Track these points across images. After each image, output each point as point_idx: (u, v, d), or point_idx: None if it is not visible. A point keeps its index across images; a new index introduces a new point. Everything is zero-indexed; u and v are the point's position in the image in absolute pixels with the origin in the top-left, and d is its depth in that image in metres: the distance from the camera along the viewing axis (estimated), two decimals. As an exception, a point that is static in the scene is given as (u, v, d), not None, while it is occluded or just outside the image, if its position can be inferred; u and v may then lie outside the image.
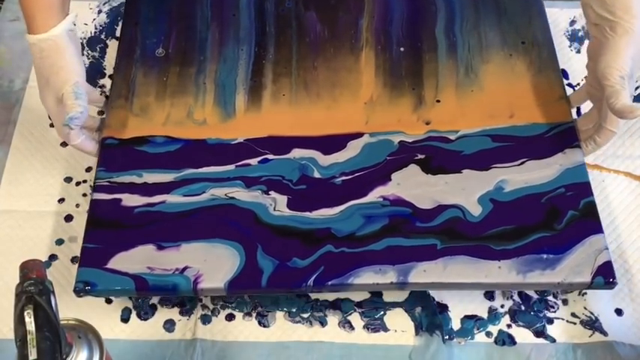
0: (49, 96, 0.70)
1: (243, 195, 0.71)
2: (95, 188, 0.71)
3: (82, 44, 0.91)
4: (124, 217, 0.70)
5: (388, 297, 0.73)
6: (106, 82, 0.89)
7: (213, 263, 0.67)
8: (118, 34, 0.92)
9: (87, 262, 0.67)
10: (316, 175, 0.72)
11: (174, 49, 0.82)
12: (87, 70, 0.87)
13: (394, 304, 0.72)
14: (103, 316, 0.72)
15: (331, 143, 0.74)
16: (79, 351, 0.55)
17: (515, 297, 0.73)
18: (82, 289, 0.65)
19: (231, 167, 0.73)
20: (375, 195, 0.71)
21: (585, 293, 0.72)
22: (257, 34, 0.83)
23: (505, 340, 0.70)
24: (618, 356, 0.69)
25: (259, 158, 0.73)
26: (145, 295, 0.70)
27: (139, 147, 0.74)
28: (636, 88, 0.85)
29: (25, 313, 0.49)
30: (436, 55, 0.81)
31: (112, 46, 0.91)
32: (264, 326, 0.72)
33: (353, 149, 0.74)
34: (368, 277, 0.66)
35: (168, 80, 0.79)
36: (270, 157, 0.73)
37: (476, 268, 0.66)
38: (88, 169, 0.82)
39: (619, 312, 0.72)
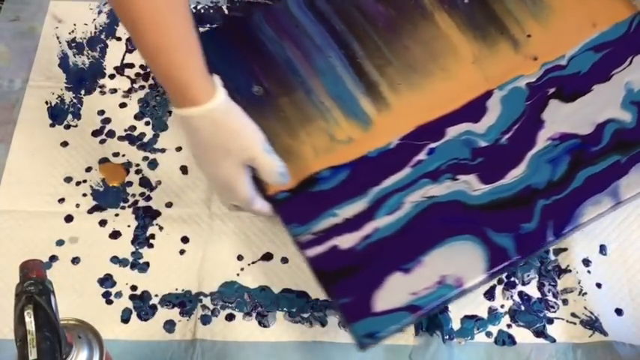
0: (230, 164, 0.65)
1: (437, 190, 0.71)
2: (302, 246, 0.68)
3: (82, 44, 0.89)
4: (350, 259, 0.68)
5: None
6: (106, 82, 0.87)
7: (462, 261, 0.67)
8: (118, 34, 0.90)
9: (355, 317, 0.65)
10: (482, 143, 0.74)
11: (267, 81, 0.78)
12: (87, 70, 0.87)
13: None
14: (103, 316, 0.71)
15: (472, 110, 0.76)
16: (79, 351, 0.54)
17: (515, 297, 0.73)
18: (370, 342, 0.64)
19: (408, 170, 0.73)
20: (542, 140, 0.74)
21: (585, 293, 0.73)
22: (332, 37, 0.81)
23: (505, 340, 0.70)
24: (618, 356, 0.69)
25: (425, 150, 0.74)
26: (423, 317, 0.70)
27: (313, 189, 0.71)
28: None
29: (25, 313, 0.48)
30: (498, -4, 0.84)
31: (112, 46, 0.90)
32: (264, 326, 0.71)
33: (494, 108, 0.76)
34: (590, 211, 0.70)
35: (286, 113, 0.76)
36: (433, 145, 0.74)
37: None
38: (88, 169, 0.80)
39: (619, 312, 0.72)
